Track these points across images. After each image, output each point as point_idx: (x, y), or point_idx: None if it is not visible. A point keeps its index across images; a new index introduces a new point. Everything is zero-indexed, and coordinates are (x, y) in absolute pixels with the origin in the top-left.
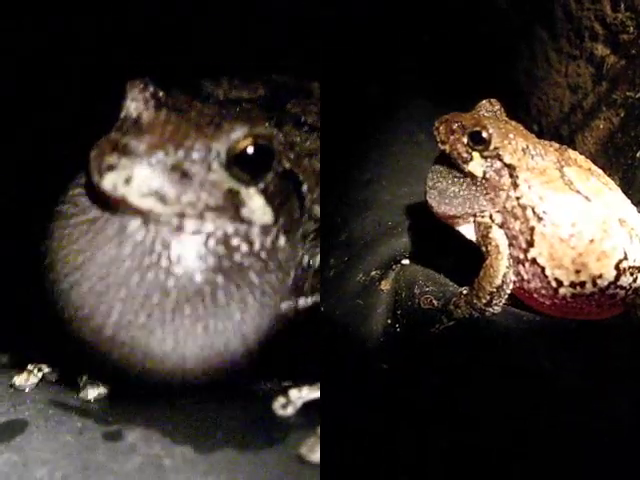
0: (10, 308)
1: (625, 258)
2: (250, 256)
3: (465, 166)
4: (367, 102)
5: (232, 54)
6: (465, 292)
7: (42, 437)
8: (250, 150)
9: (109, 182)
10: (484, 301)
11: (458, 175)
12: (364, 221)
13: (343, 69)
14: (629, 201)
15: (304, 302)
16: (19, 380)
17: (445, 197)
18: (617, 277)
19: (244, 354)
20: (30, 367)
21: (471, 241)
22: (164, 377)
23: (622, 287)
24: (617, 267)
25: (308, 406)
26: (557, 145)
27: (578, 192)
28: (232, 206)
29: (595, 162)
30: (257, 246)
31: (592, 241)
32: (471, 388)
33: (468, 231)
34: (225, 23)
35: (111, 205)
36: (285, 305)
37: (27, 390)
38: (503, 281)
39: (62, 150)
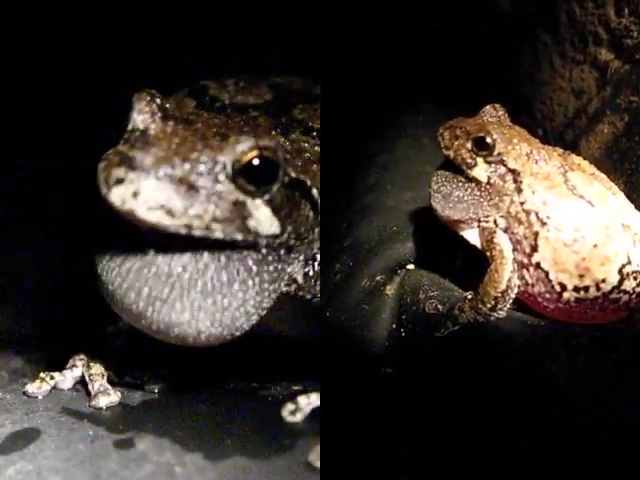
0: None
1: (628, 263)
2: (250, 250)
3: (469, 171)
4: (371, 107)
5: (234, 54)
6: (470, 297)
7: (54, 445)
8: (256, 162)
9: (117, 196)
10: (489, 306)
11: (462, 180)
12: (369, 226)
13: (346, 73)
14: (632, 206)
15: (316, 299)
16: (32, 388)
17: (449, 201)
18: (620, 281)
19: (249, 332)
20: (42, 375)
21: (475, 246)
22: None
23: (625, 291)
24: (620, 272)
25: (316, 412)
26: (561, 150)
27: (582, 197)
28: (239, 217)
29: (599, 167)
30: (260, 247)
31: (595, 246)
32: (475, 392)
33: (472, 236)
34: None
35: (121, 216)
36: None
37: (40, 398)
38: (508, 286)
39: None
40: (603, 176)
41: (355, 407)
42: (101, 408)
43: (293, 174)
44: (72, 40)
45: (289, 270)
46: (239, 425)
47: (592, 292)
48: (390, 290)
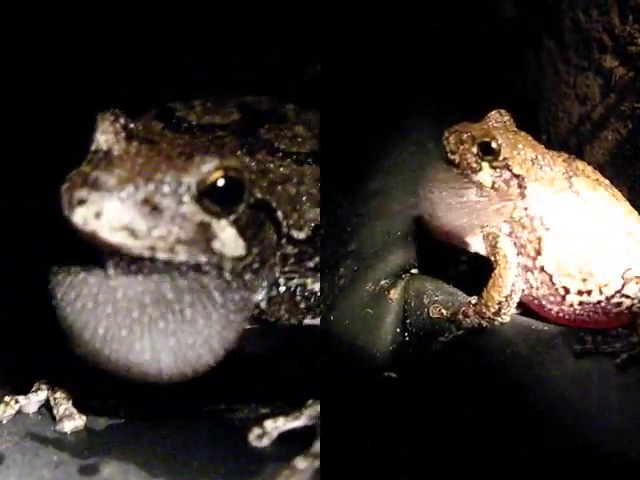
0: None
1: (631, 267)
2: (216, 278)
3: (474, 176)
4: (376, 111)
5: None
6: (474, 301)
7: (18, 471)
8: (221, 183)
9: (79, 216)
10: (493, 310)
11: (463, 186)
12: (373, 231)
13: (349, 76)
14: (636, 212)
15: (280, 323)
16: None
17: (452, 208)
18: (623, 286)
19: (215, 368)
20: (7, 399)
21: (478, 253)
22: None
23: (628, 296)
24: (623, 276)
25: (284, 437)
26: (565, 155)
27: (585, 202)
28: (203, 239)
29: (603, 173)
30: (225, 272)
31: (599, 250)
32: (478, 396)
33: (476, 241)
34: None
35: (84, 238)
36: (253, 324)
37: (4, 422)
38: (512, 290)
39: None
40: (607, 182)
41: (358, 411)
42: (66, 433)
43: (259, 195)
44: (42, 69)
45: (254, 298)
46: (205, 450)
47: (595, 296)
48: (394, 295)
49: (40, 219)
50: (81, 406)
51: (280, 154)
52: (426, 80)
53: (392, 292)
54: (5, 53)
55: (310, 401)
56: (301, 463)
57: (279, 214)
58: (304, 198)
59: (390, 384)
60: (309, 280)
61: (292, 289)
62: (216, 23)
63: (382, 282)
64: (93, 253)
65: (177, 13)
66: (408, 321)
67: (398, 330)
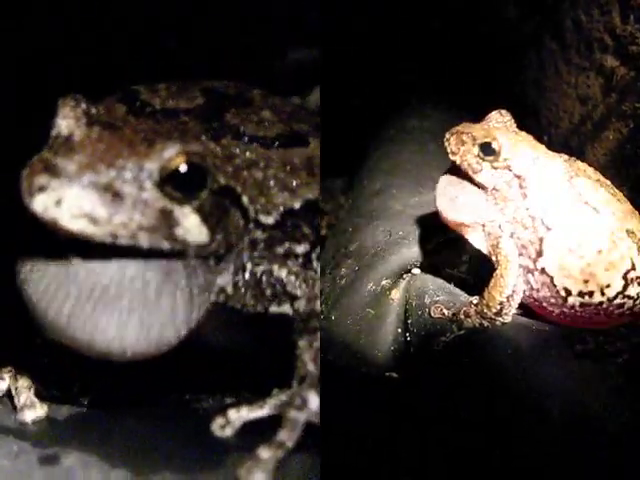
0: None
1: (633, 268)
2: (179, 262)
3: (475, 176)
4: (378, 112)
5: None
6: (475, 302)
7: None
8: (183, 168)
9: (40, 204)
10: (494, 310)
11: (468, 185)
12: (375, 230)
13: (351, 77)
14: (637, 212)
15: (246, 309)
16: None
17: (455, 206)
18: (625, 287)
19: (179, 356)
20: None
21: (480, 250)
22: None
23: (630, 297)
24: (625, 277)
25: (247, 427)
26: (566, 156)
27: (587, 203)
28: (166, 226)
29: (604, 173)
30: (189, 257)
31: (600, 251)
32: (479, 397)
33: (478, 241)
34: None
35: (44, 225)
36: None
37: None
38: (513, 291)
39: None
40: (608, 182)
41: (358, 411)
42: (27, 422)
43: (223, 181)
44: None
45: (218, 281)
46: (168, 440)
47: (597, 297)
48: (396, 294)
49: (2, 203)
50: (43, 395)
51: (246, 139)
52: (427, 80)
53: (393, 292)
54: None
55: (275, 390)
56: (264, 453)
57: (245, 199)
58: (271, 182)
59: (391, 384)
60: (275, 266)
61: (258, 275)
62: (216, 23)
63: (383, 282)
64: (55, 236)
65: (177, 13)
66: (409, 321)
67: (399, 330)
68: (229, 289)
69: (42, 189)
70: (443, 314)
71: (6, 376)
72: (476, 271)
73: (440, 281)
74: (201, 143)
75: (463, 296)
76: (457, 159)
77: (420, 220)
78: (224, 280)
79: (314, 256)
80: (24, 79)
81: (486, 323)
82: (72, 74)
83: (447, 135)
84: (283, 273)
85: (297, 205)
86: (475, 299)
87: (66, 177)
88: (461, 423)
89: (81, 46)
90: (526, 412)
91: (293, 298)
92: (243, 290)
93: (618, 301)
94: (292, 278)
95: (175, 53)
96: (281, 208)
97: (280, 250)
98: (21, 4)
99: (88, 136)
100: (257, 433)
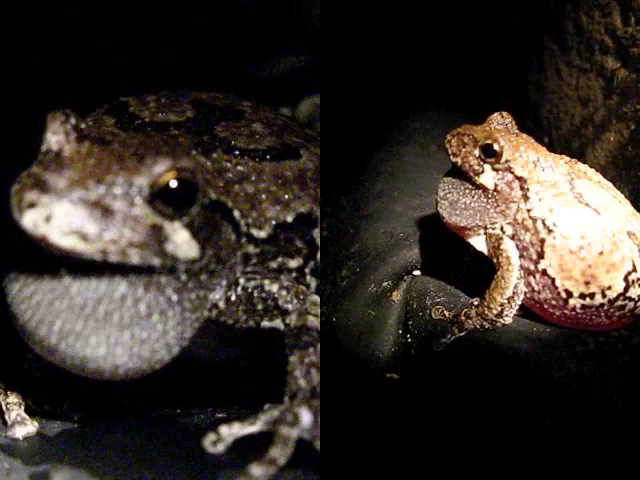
0: None
1: (634, 270)
2: (170, 278)
3: (476, 178)
4: (378, 114)
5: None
6: (476, 303)
7: None
8: (173, 184)
9: (29, 220)
10: (495, 312)
11: (469, 187)
12: (376, 232)
13: (352, 79)
14: (638, 214)
15: (238, 325)
16: None
17: (456, 208)
18: (626, 289)
19: (171, 372)
20: None
21: (482, 252)
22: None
23: (631, 299)
24: (626, 279)
25: (238, 443)
26: (567, 158)
27: (588, 205)
28: (156, 242)
29: (605, 175)
30: (180, 272)
31: (601, 253)
32: (481, 398)
33: (479, 243)
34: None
35: (34, 241)
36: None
37: None
38: (514, 292)
39: None
40: (609, 184)
41: (359, 412)
42: (18, 439)
43: (213, 195)
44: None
45: (211, 297)
46: (159, 456)
47: (598, 299)
48: (396, 296)
49: None
50: (33, 411)
51: (237, 152)
52: (429, 82)
53: (394, 293)
54: None
55: (267, 406)
56: (256, 470)
57: (236, 213)
58: (263, 196)
59: (392, 385)
60: (266, 281)
61: (249, 290)
62: (216, 24)
63: (384, 283)
64: (45, 252)
65: (178, 12)
66: (410, 322)
67: (400, 331)
68: (221, 304)
69: (32, 205)
70: (444, 315)
71: None
72: (477, 273)
73: (441, 283)
74: (192, 158)
75: (464, 298)
76: (458, 161)
77: (421, 222)
78: (216, 296)
79: (307, 270)
80: (7, 92)
81: (487, 325)
82: (59, 86)
83: (448, 137)
84: (275, 287)
85: (290, 219)
86: (476, 301)
87: (56, 193)
88: (462, 424)
89: (67, 59)
90: (527, 414)
91: (285, 313)
92: (235, 306)
93: (619, 303)
94: (284, 292)
95: (162, 61)
96: (273, 222)
97: (273, 265)
98: (6, 18)
99: (78, 151)
100: (248, 449)
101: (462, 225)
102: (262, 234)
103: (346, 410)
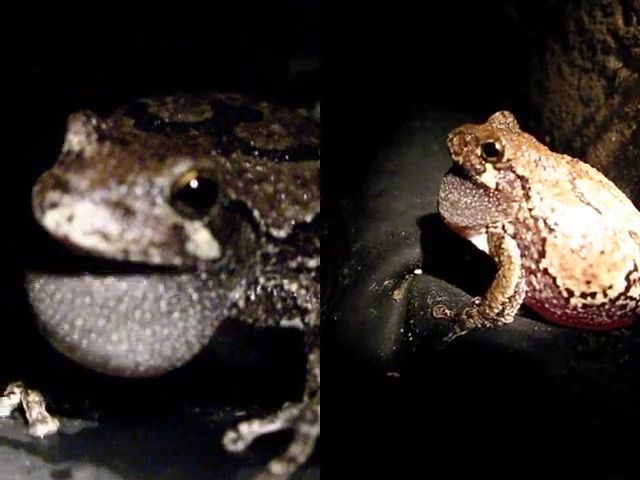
0: None
1: (635, 269)
2: (191, 277)
3: (478, 177)
4: (381, 113)
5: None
6: (478, 302)
7: None
8: (194, 184)
9: (51, 220)
10: (496, 311)
11: (470, 186)
12: (377, 231)
13: (353, 79)
14: None
15: (258, 324)
16: None
17: (457, 208)
18: (627, 288)
19: (190, 370)
20: None
21: (483, 251)
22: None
23: (632, 298)
24: (627, 278)
25: (259, 441)
26: (569, 157)
27: (589, 204)
28: (177, 241)
29: (607, 174)
30: (200, 272)
31: (603, 252)
32: (481, 397)
33: (480, 242)
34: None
35: (56, 241)
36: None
37: None
38: (515, 291)
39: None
40: (611, 183)
41: (360, 411)
42: (39, 437)
43: (233, 196)
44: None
45: (231, 296)
46: (179, 454)
47: (599, 298)
48: (398, 295)
49: (14, 217)
50: (54, 410)
51: (256, 152)
52: (431, 81)
53: (396, 292)
54: None
55: (286, 404)
56: (276, 467)
57: (256, 213)
58: (282, 196)
59: (393, 384)
60: (286, 280)
61: (269, 289)
62: (216, 27)
63: (386, 282)
64: (67, 251)
65: (177, 12)
66: (412, 321)
67: (401, 330)
68: (241, 304)
69: (54, 205)
70: (445, 314)
71: (17, 390)
72: (478, 271)
73: (442, 282)
74: (212, 158)
75: (465, 296)
76: (460, 160)
77: (423, 221)
78: (236, 295)
79: None
80: (29, 94)
81: (488, 324)
82: (77, 88)
83: (450, 136)
84: (294, 287)
85: (309, 218)
86: (477, 299)
87: (78, 193)
88: (463, 423)
89: (85, 60)
90: (527, 413)
91: (304, 312)
92: (255, 305)
93: (620, 302)
94: (303, 292)
95: (177, 64)
96: (292, 222)
97: (292, 264)
98: (23, 19)
99: (99, 152)
100: (268, 447)
101: (464, 225)
102: (281, 234)
103: (347, 408)
